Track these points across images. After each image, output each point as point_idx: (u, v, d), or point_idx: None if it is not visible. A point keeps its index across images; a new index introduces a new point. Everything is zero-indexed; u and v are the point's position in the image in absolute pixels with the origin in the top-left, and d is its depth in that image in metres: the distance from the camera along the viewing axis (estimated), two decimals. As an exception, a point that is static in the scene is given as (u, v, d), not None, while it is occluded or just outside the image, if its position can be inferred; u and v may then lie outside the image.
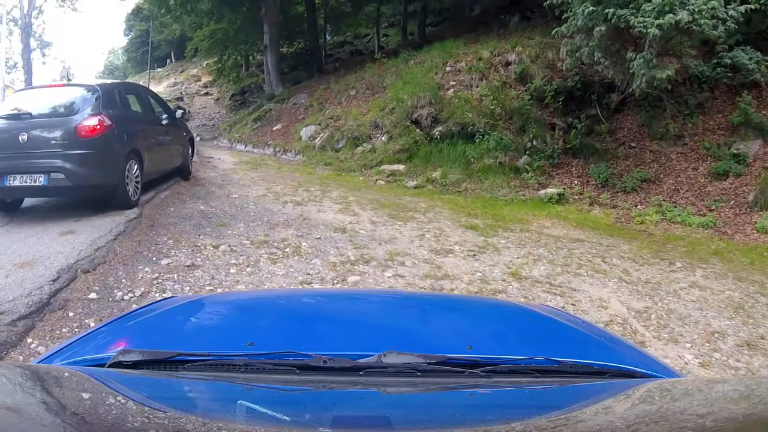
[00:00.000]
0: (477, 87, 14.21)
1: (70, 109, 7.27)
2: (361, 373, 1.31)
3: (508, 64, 14.71)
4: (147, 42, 48.47)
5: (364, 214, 8.52)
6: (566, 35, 11.28)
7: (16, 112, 7.18)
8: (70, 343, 1.66)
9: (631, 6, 9.63)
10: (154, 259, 5.81)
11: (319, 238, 7.00)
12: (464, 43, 16.84)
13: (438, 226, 8.15)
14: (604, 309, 5.40)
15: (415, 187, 11.65)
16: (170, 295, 4.84)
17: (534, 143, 12.55)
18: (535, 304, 3.60)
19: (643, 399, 1.25)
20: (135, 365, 1.34)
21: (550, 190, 11.05)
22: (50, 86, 9.01)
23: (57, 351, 1.60)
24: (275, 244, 6.59)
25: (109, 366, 1.34)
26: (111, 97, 7.73)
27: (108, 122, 7.14)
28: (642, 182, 11.12)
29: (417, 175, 12.36)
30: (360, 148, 14.22)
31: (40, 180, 6.81)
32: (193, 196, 9.04)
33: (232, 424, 1.05)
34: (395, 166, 12.75)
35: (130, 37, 60.89)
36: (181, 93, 38.52)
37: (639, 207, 10.40)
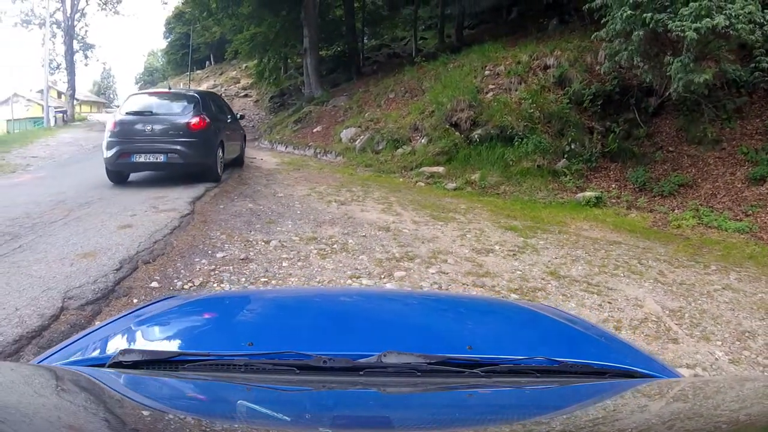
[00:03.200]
0: (516, 90, 14.33)
1: (181, 110, 10.40)
2: (361, 373, 1.31)
3: (546, 67, 14.78)
4: (187, 45, 49.22)
5: (406, 214, 8.75)
6: (605, 39, 11.31)
7: (141, 109, 10.30)
8: (70, 343, 1.66)
9: (668, 10, 9.66)
10: (209, 252, 6.12)
11: (364, 236, 7.26)
12: (503, 46, 16.97)
13: (478, 226, 8.31)
14: (640, 308, 5.51)
15: (455, 189, 11.83)
16: (227, 286, 5.13)
17: (572, 147, 12.60)
18: (535, 304, 3.64)
19: (643, 399, 1.26)
20: (135, 365, 1.34)
21: (588, 194, 11.11)
22: (159, 92, 12.42)
23: (57, 351, 1.60)
24: (323, 240, 6.86)
25: (108, 366, 1.34)
26: (206, 102, 10.98)
27: (207, 120, 10.21)
28: (679, 187, 11.06)
29: (456, 177, 12.54)
30: (400, 150, 14.45)
31: (161, 158, 9.87)
32: (241, 195, 9.40)
33: (232, 424, 1.05)
34: (435, 168, 12.96)
35: (170, 39, 61.99)
36: (221, 95, 38.95)
37: (676, 211, 10.38)
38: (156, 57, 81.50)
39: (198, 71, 50.25)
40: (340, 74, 27.76)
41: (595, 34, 11.32)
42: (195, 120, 10.05)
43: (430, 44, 26.78)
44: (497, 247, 7.28)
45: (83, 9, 36.79)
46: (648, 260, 7.21)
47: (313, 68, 24.59)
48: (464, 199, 10.82)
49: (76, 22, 36.00)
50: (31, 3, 35.68)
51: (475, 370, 1.35)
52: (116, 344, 1.61)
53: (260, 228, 7.26)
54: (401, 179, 12.74)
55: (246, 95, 38.16)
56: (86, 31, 37.94)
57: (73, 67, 36.50)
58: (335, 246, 6.69)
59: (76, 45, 36.78)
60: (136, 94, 12.45)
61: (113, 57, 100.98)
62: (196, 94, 11.30)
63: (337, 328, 1.85)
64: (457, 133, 13.82)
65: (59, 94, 44.82)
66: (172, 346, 1.64)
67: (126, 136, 9.89)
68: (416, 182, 12.44)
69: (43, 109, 34.69)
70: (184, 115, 10.25)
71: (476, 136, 13.34)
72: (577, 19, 16.49)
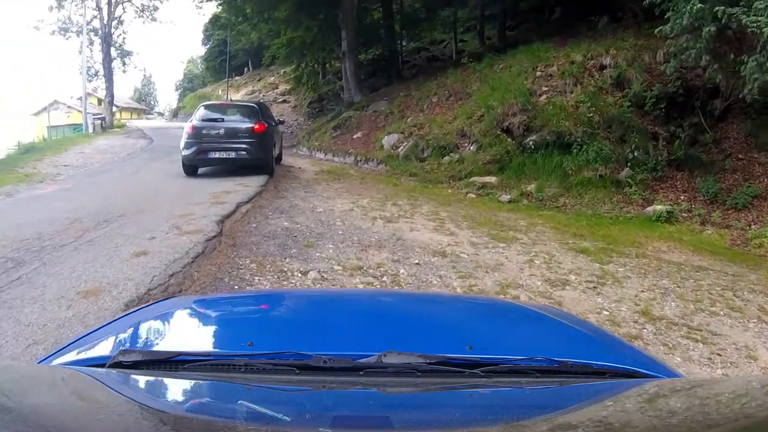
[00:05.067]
0: (571, 93, 13.25)
1: (245, 116, 12.69)
2: (361, 373, 1.30)
3: (602, 67, 13.67)
4: (225, 51, 49.66)
5: (461, 234, 7.72)
6: (669, 36, 10.22)
7: (213, 117, 12.63)
8: (70, 344, 1.64)
9: (741, 4, 8.54)
10: (236, 287, 5.16)
11: (417, 263, 6.24)
12: (552, 46, 15.87)
13: (545, 249, 7.26)
14: (753, 360, 4.57)
15: (510, 202, 10.76)
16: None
17: (635, 154, 11.47)
18: (535, 304, 3.39)
19: (643, 399, 1.24)
20: (135, 365, 1.32)
21: (659, 208, 9.96)
22: (226, 103, 16.88)
23: (57, 351, 1.57)
24: (370, 270, 5.85)
25: (109, 366, 1.32)
26: (262, 110, 13.64)
27: (265, 125, 12.50)
28: (753, 198, 9.96)
29: (510, 188, 11.47)
30: (447, 158, 13.44)
31: (231, 155, 12.03)
32: (276, 210, 8.47)
33: (232, 424, 1.04)
34: (486, 178, 11.90)
35: (208, 46, 62.49)
36: (259, 101, 38.77)
37: (754, 227, 9.27)
38: (195, 64, 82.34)
39: (236, 77, 50.14)
40: (378, 78, 26.99)
41: (660, 29, 10.17)
42: (257, 125, 12.26)
43: (469, 46, 25.83)
44: (573, 277, 6.22)
45: (120, 16, 36.70)
46: (743, 291, 6.25)
47: (351, 72, 23.91)
48: (522, 214, 9.74)
49: (113, 30, 36.01)
50: (68, 11, 35.27)
51: (475, 370, 1.33)
52: (116, 345, 1.57)
53: (297, 253, 6.25)
54: (450, 190, 11.70)
55: (284, 101, 37.69)
56: (124, 39, 37.78)
57: (111, 74, 36.45)
58: (384, 278, 5.67)
59: (113, 52, 36.71)
60: (207, 104, 14.20)
61: (153, 64, 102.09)
62: (254, 104, 14.24)
63: (337, 328, 1.85)
64: (509, 140, 12.78)
65: (99, 101, 45.02)
66: (172, 346, 1.58)
67: (202, 138, 12.05)
68: (466, 194, 11.38)
69: (82, 115, 34.72)
70: (248, 121, 12.44)
71: (530, 142, 12.28)
72: (630, 16, 15.38)
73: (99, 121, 34.96)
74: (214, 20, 42.25)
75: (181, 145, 12.34)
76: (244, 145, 12.01)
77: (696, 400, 1.22)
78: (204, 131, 12.12)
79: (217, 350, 1.51)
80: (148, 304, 2.33)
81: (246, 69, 54.34)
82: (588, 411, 1.18)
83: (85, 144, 24.04)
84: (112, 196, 9.74)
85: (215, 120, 12.46)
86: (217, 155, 12.05)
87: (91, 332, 1.78)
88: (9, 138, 29.66)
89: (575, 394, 1.33)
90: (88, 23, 34.75)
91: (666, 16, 10.04)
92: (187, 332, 1.87)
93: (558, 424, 1.09)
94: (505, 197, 11.02)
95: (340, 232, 7.36)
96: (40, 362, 1.58)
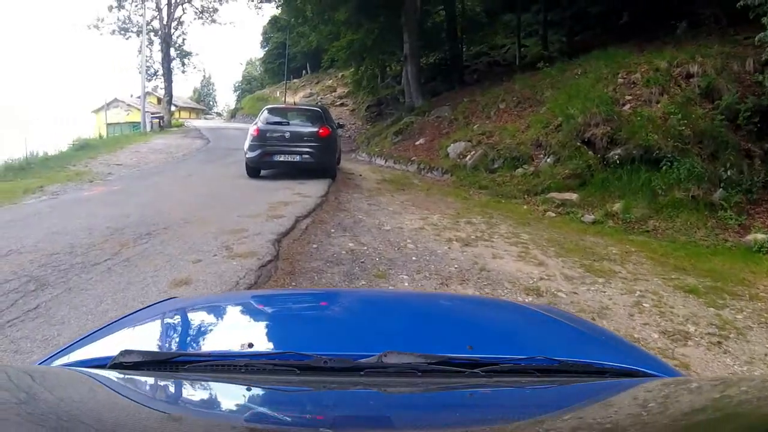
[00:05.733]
0: (657, 103, 11.90)
1: (310, 120, 12.86)
2: (361, 373, 1.28)
3: (689, 76, 12.31)
4: (283, 54, 49.85)
5: (551, 264, 6.62)
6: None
7: (279, 120, 12.73)
8: (71, 345, 1.61)
9: None
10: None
11: (510, 304, 5.13)
12: (629, 51, 14.57)
13: (650, 287, 6.12)
14: None
15: (594, 223, 9.56)
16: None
17: (729, 174, 10.11)
18: (535, 303, 3.20)
19: (643, 398, 1.23)
20: (136, 366, 1.31)
21: (759, 237, 8.57)
22: (290, 107, 16.32)
23: (58, 352, 1.55)
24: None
25: (109, 367, 1.31)
26: (326, 115, 13.99)
27: (329, 129, 12.67)
28: None
29: (593, 206, 10.26)
30: (520, 171, 12.30)
31: (297, 158, 12.16)
32: (339, 227, 7.50)
33: (232, 425, 1.03)
34: (565, 195, 10.71)
35: (267, 49, 62.85)
36: (317, 104, 38.40)
37: None
38: (254, 66, 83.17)
39: (294, 80, 49.88)
40: (439, 83, 25.99)
41: (761, 35, 8.92)
42: (322, 129, 12.40)
43: (531, 51, 24.53)
44: (691, 328, 5.07)
45: (180, 17, 37.16)
46: None
47: (413, 76, 23.03)
48: (611, 239, 8.53)
49: (172, 30, 36.41)
50: (128, 11, 35.91)
51: (475, 370, 1.32)
52: (117, 345, 1.45)
53: (366, 286, 5.25)
54: (525, 207, 10.55)
55: (342, 104, 37.11)
56: (183, 40, 38.35)
57: (170, 74, 36.85)
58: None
59: (173, 52, 37.14)
60: (271, 108, 14.11)
61: (212, 65, 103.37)
62: (318, 108, 14.63)
63: (338, 328, 1.86)
64: (590, 153, 11.57)
65: (159, 100, 45.42)
66: (173, 347, 1.58)
67: (268, 141, 12.20)
68: (545, 212, 10.22)
69: (140, 113, 35.28)
70: (313, 125, 12.61)
71: (615, 156, 11.04)
72: (711, 21, 14.18)
73: (157, 120, 35.53)
74: (273, 22, 42.20)
75: (245, 146, 12.54)
76: (308, 149, 12.10)
77: (697, 399, 1.21)
78: (269, 134, 12.26)
79: (217, 351, 1.50)
80: (148, 305, 2.24)
81: (304, 72, 54.16)
82: (589, 411, 1.17)
83: (141, 143, 23.83)
84: (160, 202, 9.02)
85: (280, 123, 12.60)
86: (281, 158, 12.22)
87: (92, 333, 1.75)
88: (70, 134, 29.90)
89: (576, 394, 1.32)
90: (148, 23, 35.23)
91: (763, 21, 9.07)
92: (187, 333, 1.82)
93: (559, 423, 1.07)
94: (588, 217, 9.82)
95: (414, 258, 6.32)
96: (40, 363, 1.55)
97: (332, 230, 7.33)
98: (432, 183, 13.28)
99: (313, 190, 10.24)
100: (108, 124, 38.76)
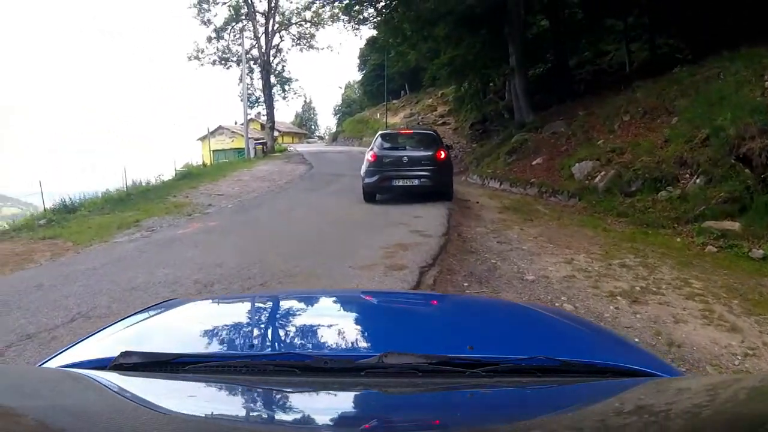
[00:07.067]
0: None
1: (426, 143, 12.83)
2: (362, 373, 1.29)
3: None
4: (381, 75, 50.28)
5: (745, 327, 4.99)
6: None
7: (396, 145, 13.00)
8: (72, 346, 1.63)
9: None
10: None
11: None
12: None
13: None
14: None
15: (764, 259, 7.73)
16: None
17: None
18: (535, 303, 3.10)
19: (645, 397, 1.21)
20: (136, 367, 1.32)
21: None
22: (404, 131, 16.19)
23: (59, 354, 1.56)
24: None
25: (110, 368, 1.32)
26: (440, 138, 13.58)
27: (446, 152, 12.63)
28: None
29: (758, 238, 8.39)
30: (663, 194, 10.61)
31: (415, 182, 12.10)
32: (472, 278, 6.21)
33: (233, 426, 1.05)
34: (725, 224, 8.94)
35: (364, 71, 63.24)
36: (418, 123, 37.73)
37: None
38: (352, 89, 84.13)
39: (393, 101, 49.42)
40: (545, 95, 24.28)
41: None
42: (438, 152, 12.34)
43: (637, 57, 22.55)
44: None
45: (278, 45, 37.79)
46: None
47: (522, 90, 21.85)
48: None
49: (271, 58, 37.01)
50: (227, 41, 37.12)
51: (476, 370, 1.32)
52: (117, 347, 1.46)
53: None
54: (678, 239, 8.85)
55: (444, 123, 36.19)
56: (283, 66, 39.09)
57: (272, 100, 37.54)
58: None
59: (273, 79, 37.77)
60: (385, 133, 14.41)
61: (312, 89, 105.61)
62: (432, 132, 14.59)
63: (338, 329, 1.83)
64: (747, 171, 9.76)
65: (262, 126, 46.19)
66: (173, 348, 1.52)
67: (385, 166, 12.25)
68: (703, 245, 8.46)
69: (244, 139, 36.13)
70: (428, 148, 12.56)
71: (782, 177, 9.21)
72: None
73: (260, 146, 36.00)
74: (372, 42, 41.73)
75: (362, 172, 12.61)
76: (426, 173, 12.06)
77: (698, 398, 1.20)
78: (386, 159, 12.34)
79: (218, 352, 1.51)
80: (148, 306, 2.10)
81: (402, 92, 53.91)
82: (590, 410, 1.16)
83: (244, 170, 23.68)
84: (259, 245, 8.16)
85: (396, 148, 12.79)
86: (399, 183, 12.19)
87: (93, 334, 1.75)
88: (179, 160, 30.73)
89: (577, 394, 1.31)
90: (247, 52, 36.13)
91: None
92: (188, 334, 1.79)
93: (560, 423, 1.07)
94: (757, 252, 7.98)
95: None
96: (41, 365, 1.53)
97: (465, 283, 6.05)
98: (560, 210, 11.79)
99: (432, 225, 9.06)
100: (213, 151, 39.59)
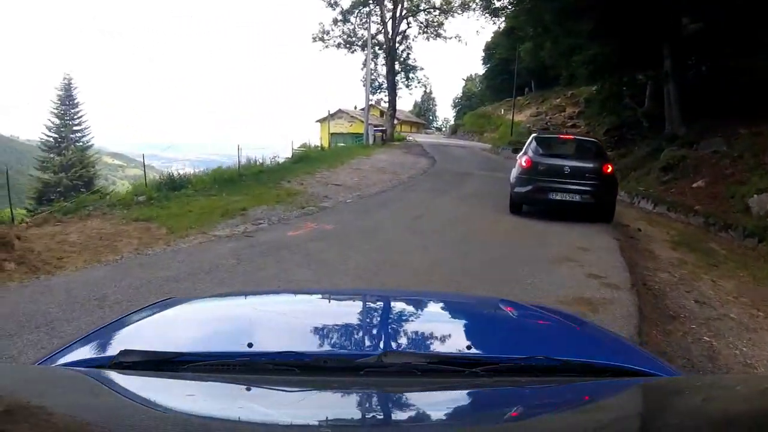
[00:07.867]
0: None
1: (590, 155, 11.42)
2: (361, 373, 1.27)
3: None
4: (506, 70, 50.04)
5: None
6: None
7: (555, 152, 11.53)
8: (71, 344, 1.60)
9: None
10: None
11: None
12: None
13: None
14: None
15: None
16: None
17: None
18: (535, 303, 2.99)
19: (644, 397, 1.22)
20: (135, 366, 1.29)
21: None
22: (566, 137, 13.72)
23: (57, 352, 1.54)
24: None
25: (109, 367, 1.30)
26: (605, 149, 13.08)
27: (612, 166, 11.27)
28: None
29: None
30: None
31: (576, 198, 10.66)
32: (688, 364, 4.34)
33: (232, 425, 1.03)
34: None
35: (489, 65, 61.60)
36: (546, 123, 36.00)
37: None
38: (474, 82, 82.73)
39: (518, 97, 47.39)
40: (696, 106, 21.35)
41: None
42: (606, 165, 10.96)
43: None
44: None
45: (404, 31, 37.16)
46: None
47: (675, 98, 19.68)
48: None
49: (397, 45, 36.55)
50: (353, 24, 36.72)
51: (475, 370, 1.30)
52: (117, 345, 1.50)
53: None
54: None
55: (573, 125, 34.08)
56: (408, 53, 38.45)
57: (394, 87, 37.05)
58: None
59: (397, 66, 37.30)
60: (541, 137, 12.96)
61: (433, 79, 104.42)
62: (596, 140, 13.63)
63: (337, 328, 1.83)
64: None
65: (381, 113, 45.65)
66: (173, 346, 1.46)
67: (543, 175, 10.79)
68: None
69: (363, 125, 35.97)
70: (593, 159, 11.14)
71: None
72: None
73: (380, 133, 35.65)
74: (509, 32, 39.90)
75: (512, 178, 11.36)
76: (589, 188, 10.57)
77: (697, 398, 1.20)
78: (542, 167, 10.92)
79: (217, 351, 1.44)
80: (148, 305, 2.08)
81: (527, 89, 51.90)
82: (589, 410, 1.17)
83: (363, 157, 22.86)
84: (383, 265, 6.87)
85: (555, 155, 11.31)
86: (558, 197, 10.66)
87: (92, 333, 1.72)
88: (296, 141, 30.67)
89: (576, 393, 1.30)
90: (373, 37, 35.72)
91: None
92: (187, 333, 1.77)
93: (559, 423, 1.07)
94: None
95: None
96: (40, 363, 1.53)
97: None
98: (740, 253, 9.58)
99: (608, 264, 7.28)
100: (331, 134, 39.27)
